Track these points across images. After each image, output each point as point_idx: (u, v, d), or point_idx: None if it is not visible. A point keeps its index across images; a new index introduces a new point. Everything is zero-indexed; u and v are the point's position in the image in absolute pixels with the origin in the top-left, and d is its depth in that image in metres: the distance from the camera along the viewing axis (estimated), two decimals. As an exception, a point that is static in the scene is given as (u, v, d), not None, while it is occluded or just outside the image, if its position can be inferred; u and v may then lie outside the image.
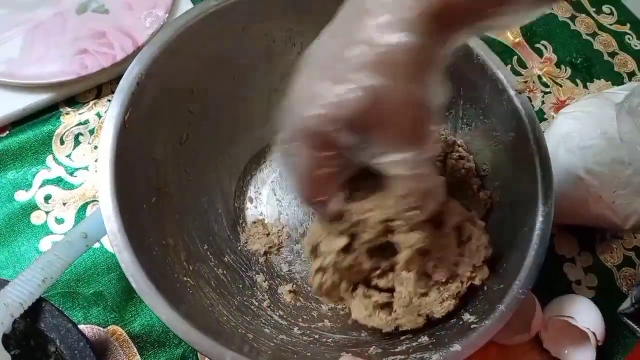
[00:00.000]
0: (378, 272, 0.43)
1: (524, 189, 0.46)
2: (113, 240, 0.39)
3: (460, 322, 0.42)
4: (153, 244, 0.43)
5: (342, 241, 0.40)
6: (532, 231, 0.43)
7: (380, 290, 0.43)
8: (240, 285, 0.48)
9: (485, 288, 0.44)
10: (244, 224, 0.53)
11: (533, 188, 0.44)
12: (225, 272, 0.48)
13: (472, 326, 0.41)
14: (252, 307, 0.47)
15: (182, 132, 0.49)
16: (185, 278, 0.44)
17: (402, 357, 0.41)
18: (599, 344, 0.49)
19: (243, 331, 0.42)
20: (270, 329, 0.45)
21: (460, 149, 0.52)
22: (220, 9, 0.47)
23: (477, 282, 0.43)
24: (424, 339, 0.43)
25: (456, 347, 0.39)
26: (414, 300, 0.42)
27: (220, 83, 0.50)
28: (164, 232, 0.45)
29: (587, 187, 0.52)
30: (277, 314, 0.47)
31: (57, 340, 0.41)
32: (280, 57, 0.52)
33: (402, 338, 0.44)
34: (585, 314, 0.50)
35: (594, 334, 0.49)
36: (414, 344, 0.43)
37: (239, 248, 0.51)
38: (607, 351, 0.53)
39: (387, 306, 0.43)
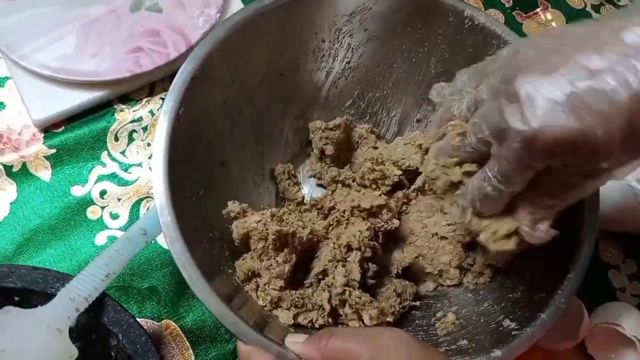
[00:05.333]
0: None
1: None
2: (167, 231, 0.40)
3: (501, 328, 0.43)
4: (201, 237, 0.44)
5: None
6: (577, 242, 0.43)
7: None
8: None
9: (526, 296, 0.45)
10: None
11: None
12: None
13: (513, 333, 0.41)
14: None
15: (231, 128, 0.49)
16: (230, 270, 0.45)
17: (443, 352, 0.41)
18: (645, 351, 0.50)
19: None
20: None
21: None
22: (272, 9, 0.48)
23: None
24: (463, 342, 0.43)
25: (497, 352, 0.40)
26: None
27: (268, 81, 0.51)
28: (211, 225, 0.46)
29: (636, 195, 0.52)
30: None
31: (120, 335, 0.42)
32: (327, 57, 0.53)
33: (441, 340, 0.45)
34: (631, 322, 0.50)
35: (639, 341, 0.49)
36: (453, 347, 0.43)
37: None
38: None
39: None
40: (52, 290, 0.42)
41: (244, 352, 0.38)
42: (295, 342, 0.38)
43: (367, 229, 0.45)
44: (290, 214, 0.48)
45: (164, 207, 0.40)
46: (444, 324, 0.46)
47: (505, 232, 0.39)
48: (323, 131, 0.53)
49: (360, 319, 0.44)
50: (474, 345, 0.43)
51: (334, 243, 0.45)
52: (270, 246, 0.43)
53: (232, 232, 0.45)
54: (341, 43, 0.53)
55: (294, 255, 0.44)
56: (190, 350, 0.50)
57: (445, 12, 0.50)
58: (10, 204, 0.54)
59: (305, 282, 0.46)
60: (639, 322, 0.50)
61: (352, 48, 0.53)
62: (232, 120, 0.50)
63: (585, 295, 0.52)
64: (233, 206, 0.45)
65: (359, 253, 0.44)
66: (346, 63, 0.54)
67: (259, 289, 0.44)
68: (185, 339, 0.50)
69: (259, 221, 0.43)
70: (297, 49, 0.52)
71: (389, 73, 0.54)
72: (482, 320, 0.45)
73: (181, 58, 0.57)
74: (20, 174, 0.55)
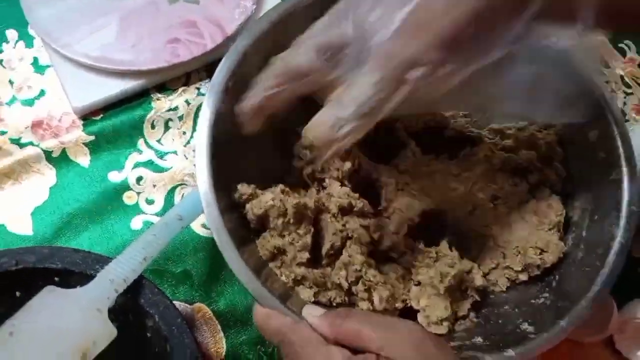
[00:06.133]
0: None
1: (603, 193, 0.46)
2: (205, 199, 0.41)
3: (518, 330, 0.43)
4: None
5: None
6: (609, 250, 0.43)
7: None
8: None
9: (549, 303, 0.45)
10: None
11: (615, 192, 0.44)
12: None
13: (530, 336, 0.41)
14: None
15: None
16: (255, 244, 0.45)
17: (454, 352, 0.41)
18: (674, 348, 0.50)
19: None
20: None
21: None
22: (308, 4, 0.49)
23: None
24: (478, 339, 0.43)
25: (510, 352, 0.40)
26: None
27: None
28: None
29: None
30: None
31: (156, 316, 0.43)
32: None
33: (456, 335, 0.45)
34: (662, 319, 0.50)
35: (670, 338, 0.49)
36: (467, 342, 0.44)
37: None
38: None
39: None
40: (92, 272, 0.44)
41: (261, 314, 0.39)
42: (311, 314, 0.39)
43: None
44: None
45: (207, 192, 0.42)
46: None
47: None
48: None
49: (370, 299, 0.44)
50: (488, 343, 0.43)
51: (330, 214, 0.45)
52: (291, 220, 0.44)
53: None
54: None
55: (310, 226, 0.45)
56: (221, 334, 0.51)
57: None
58: (50, 188, 0.56)
59: (322, 262, 0.46)
60: (669, 319, 0.50)
61: None
62: None
63: (615, 290, 0.52)
64: (244, 188, 0.45)
65: (356, 218, 0.45)
66: None
67: (283, 265, 0.45)
68: (217, 322, 0.51)
69: (274, 198, 0.44)
70: None
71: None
72: (500, 322, 0.45)
73: (217, 49, 0.58)
74: (59, 159, 0.57)
